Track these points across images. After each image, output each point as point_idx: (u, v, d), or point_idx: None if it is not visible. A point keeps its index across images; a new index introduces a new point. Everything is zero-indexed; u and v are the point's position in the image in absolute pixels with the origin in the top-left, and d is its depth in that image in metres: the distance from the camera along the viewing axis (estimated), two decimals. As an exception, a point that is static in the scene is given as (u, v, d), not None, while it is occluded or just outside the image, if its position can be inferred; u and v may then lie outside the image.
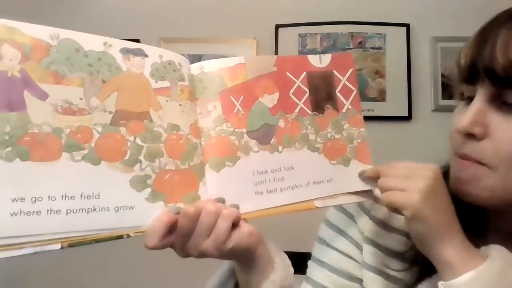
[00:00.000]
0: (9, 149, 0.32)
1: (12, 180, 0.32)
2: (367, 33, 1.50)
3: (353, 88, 0.51)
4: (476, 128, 0.41)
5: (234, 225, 0.41)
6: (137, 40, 1.51)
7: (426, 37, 1.49)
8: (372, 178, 0.48)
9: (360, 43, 1.50)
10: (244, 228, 0.42)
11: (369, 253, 0.50)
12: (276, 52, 1.50)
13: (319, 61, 0.51)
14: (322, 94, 0.50)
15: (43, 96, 0.35)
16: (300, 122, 0.48)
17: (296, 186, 0.47)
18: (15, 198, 0.32)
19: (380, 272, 0.50)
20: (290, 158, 0.47)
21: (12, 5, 1.43)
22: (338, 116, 0.50)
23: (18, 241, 0.32)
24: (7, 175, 0.32)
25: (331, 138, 0.50)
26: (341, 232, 0.54)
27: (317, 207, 0.48)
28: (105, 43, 0.38)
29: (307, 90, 0.50)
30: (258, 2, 1.57)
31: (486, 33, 0.42)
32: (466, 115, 0.41)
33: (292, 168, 0.47)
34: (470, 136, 0.41)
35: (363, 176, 0.49)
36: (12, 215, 0.32)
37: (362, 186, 0.49)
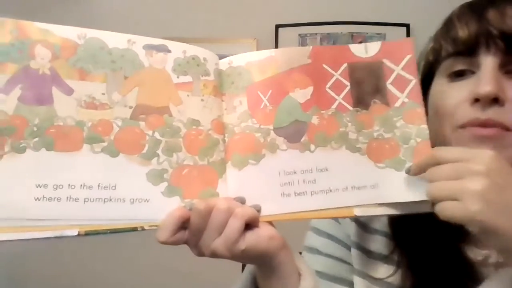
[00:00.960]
0: (36, 139, 0.36)
1: (38, 168, 0.35)
2: (367, 33, 1.51)
3: (410, 77, 0.43)
4: (500, 92, 0.40)
5: (251, 226, 0.39)
6: None
7: (426, 37, 1.30)
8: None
9: (360, 43, 1.42)
10: (264, 231, 0.39)
11: (354, 257, 0.48)
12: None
13: (364, 51, 0.45)
14: (367, 88, 0.44)
15: (69, 91, 0.37)
16: (338, 118, 0.43)
17: (330, 190, 0.42)
18: (39, 184, 0.35)
19: (366, 276, 0.47)
20: (324, 158, 0.42)
21: (12, 6, 1.55)
22: (388, 112, 0.43)
23: (40, 224, 0.35)
24: (34, 163, 0.35)
25: (378, 137, 0.43)
26: (331, 237, 0.50)
27: (356, 216, 0.43)
28: (129, 41, 0.40)
29: (348, 84, 0.44)
30: (258, 2, 1.56)
31: (484, 3, 0.42)
32: (485, 80, 0.41)
33: (327, 169, 0.42)
34: (492, 102, 0.40)
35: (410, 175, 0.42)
36: (36, 200, 0.35)
37: (418, 195, 0.40)
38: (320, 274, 0.51)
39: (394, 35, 1.49)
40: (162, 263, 1.41)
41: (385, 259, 0.48)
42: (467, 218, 0.33)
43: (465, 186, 0.34)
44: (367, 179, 0.42)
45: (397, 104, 0.43)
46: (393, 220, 0.49)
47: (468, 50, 0.43)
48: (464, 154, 0.36)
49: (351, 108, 0.44)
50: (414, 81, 0.43)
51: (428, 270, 0.45)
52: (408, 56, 0.43)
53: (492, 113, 0.41)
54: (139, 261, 1.44)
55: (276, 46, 1.53)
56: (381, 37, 1.50)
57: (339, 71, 0.44)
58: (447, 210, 0.35)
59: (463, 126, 0.43)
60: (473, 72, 0.43)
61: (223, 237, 0.37)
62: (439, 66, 0.47)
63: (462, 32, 0.44)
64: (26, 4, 1.59)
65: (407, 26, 1.49)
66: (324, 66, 0.44)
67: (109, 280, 1.52)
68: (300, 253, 0.56)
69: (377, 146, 0.43)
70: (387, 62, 0.44)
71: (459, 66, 0.44)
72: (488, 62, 0.42)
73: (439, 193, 0.36)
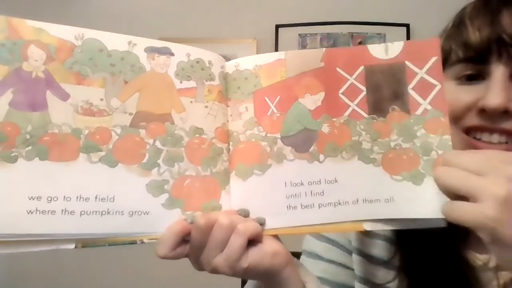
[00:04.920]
0: (29, 148, 0.33)
1: (31, 179, 0.33)
2: (367, 33, 1.50)
3: (435, 82, 0.39)
4: (510, 104, 0.39)
5: (254, 241, 0.37)
6: None
7: (426, 37, 1.32)
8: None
9: (360, 43, 1.51)
10: (268, 246, 0.38)
11: (356, 263, 0.47)
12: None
13: (384, 52, 0.40)
14: (385, 93, 0.40)
15: (64, 96, 0.35)
16: (351, 127, 0.40)
17: (339, 203, 0.39)
18: (32, 196, 0.33)
19: (367, 282, 0.47)
20: (334, 169, 0.40)
21: (11, 6, 1.53)
22: (408, 120, 0.39)
23: (33, 239, 0.33)
24: (26, 174, 0.33)
25: (396, 147, 0.39)
26: (332, 242, 0.50)
27: (366, 230, 0.41)
28: (129, 42, 0.37)
29: (364, 89, 0.40)
30: (258, 2, 1.56)
31: (496, 9, 0.41)
32: (495, 92, 0.40)
33: (336, 181, 0.40)
34: (501, 113, 0.40)
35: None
36: (28, 213, 0.33)
37: (438, 212, 0.35)
38: (321, 279, 0.50)
39: (394, 35, 1.50)
40: (163, 262, 1.41)
41: (386, 264, 0.48)
42: (480, 223, 0.29)
43: (488, 186, 0.29)
44: (381, 193, 0.39)
45: (419, 112, 0.39)
46: None
47: (479, 57, 0.42)
48: (497, 153, 0.32)
49: (366, 116, 0.40)
50: (438, 87, 0.39)
51: (428, 275, 0.45)
52: (434, 58, 0.39)
53: (500, 123, 0.40)
54: (139, 260, 1.43)
55: (276, 46, 1.53)
56: (381, 37, 1.51)
57: (354, 75, 0.40)
58: (457, 211, 0.31)
59: (467, 131, 0.42)
60: (483, 78, 0.42)
61: (224, 254, 0.36)
62: (448, 68, 0.46)
63: (474, 37, 0.42)
64: (24, 4, 1.57)
65: (407, 26, 1.50)
66: (338, 69, 0.41)
67: (109, 279, 1.52)
68: (299, 254, 0.55)
69: (394, 157, 0.39)
70: (409, 64, 0.39)
71: (469, 71, 0.43)
72: (499, 72, 0.41)
73: (453, 183, 0.31)
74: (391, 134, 0.39)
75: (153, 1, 1.64)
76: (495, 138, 0.41)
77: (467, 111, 0.42)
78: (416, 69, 0.39)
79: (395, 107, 0.40)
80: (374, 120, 0.40)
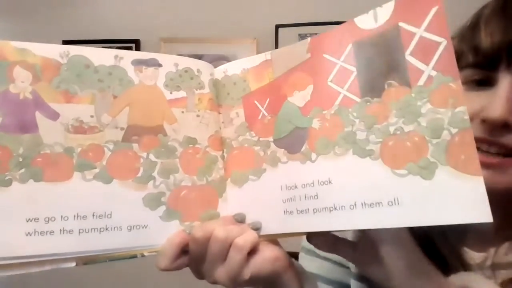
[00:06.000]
0: (23, 170, 0.33)
1: (27, 201, 0.33)
2: None
3: (438, 39, 0.30)
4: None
5: (253, 250, 0.37)
6: (137, 41, 1.53)
7: None
8: None
9: None
10: (267, 252, 0.37)
11: None
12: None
13: (374, 20, 0.34)
14: (378, 67, 0.33)
15: (54, 116, 0.35)
16: (343, 116, 0.34)
17: (335, 208, 0.34)
18: (29, 219, 0.33)
19: (363, 279, 0.46)
20: (327, 168, 0.35)
21: (11, 7, 1.51)
22: (409, 95, 0.31)
23: (33, 260, 0.33)
24: (22, 196, 0.33)
25: (396, 132, 0.32)
26: None
27: None
28: (116, 56, 0.37)
29: (354, 69, 0.34)
30: (258, 2, 1.55)
31: (509, 14, 0.38)
32: (497, 103, 0.37)
33: (330, 182, 0.35)
34: (502, 126, 0.37)
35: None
36: (27, 235, 0.33)
37: (465, 216, 0.28)
38: (317, 276, 0.51)
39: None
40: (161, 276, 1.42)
41: None
42: None
43: None
44: (382, 193, 0.31)
45: (421, 82, 0.31)
46: None
47: (488, 63, 0.40)
48: None
49: (358, 100, 0.34)
50: (444, 44, 0.30)
51: None
52: (434, 9, 0.31)
53: (500, 137, 0.38)
54: (139, 259, 1.43)
55: (276, 46, 1.52)
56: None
57: (343, 56, 0.35)
58: None
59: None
60: (492, 84, 0.40)
61: (225, 268, 0.35)
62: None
63: (486, 42, 0.40)
64: (24, 7, 1.55)
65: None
66: (325, 56, 0.36)
67: (109, 279, 1.53)
68: (298, 254, 0.55)
69: (395, 145, 0.32)
70: (404, 25, 0.32)
71: (478, 76, 0.41)
72: (507, 81, 0.38)
73: None
74: (390, 117, 0.32)
75: (153, 1, 1.63)
76: (493, 150, 0.39)
77: (472, 121, 0.40)
78: (412, 29, 0.32)
79: (392, 82, 0.32)
80: (368, 103, 0.33)
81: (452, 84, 0.29)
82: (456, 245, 0.45)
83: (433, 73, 0.30)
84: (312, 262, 0.52)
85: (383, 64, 0.33)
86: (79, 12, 1.63)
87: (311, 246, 0.53)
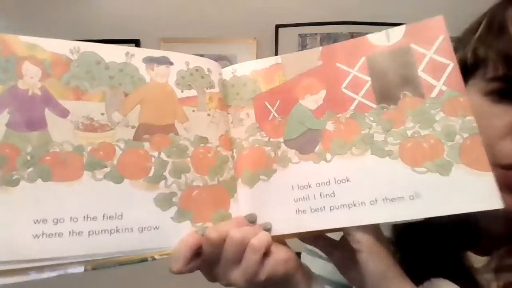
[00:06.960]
0: (31, 169, 0.32)
1: (35, 201, 0.32)
2: (367, 33, 1.53)
3: (447, 61, 0.35)
4: None
5: (266, 252, 0.36)
6: (137, 41, 1.53)
7: None
8: None
9: None
10: (279, 254, 0.37)
11: None
12: (276, 53, 1.48)
13: (386, 38, 0.38)
14: (393, 79, 0.37)
15: (64, 113, 0.33)
16: (359, 120, 0.37)
17: (354, 204, 0.36)
18: (37, 220, 0.31)
19: None
20: (343, 167, 0.37)
21: (11, 8, 1.49)
22: (423, 104, 0.35)
23: (40, 264, 0.31)
24: (29, 196, 0.32)
25: (414, 135, 0.35)
26: None
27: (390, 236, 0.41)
28: (127, 53, 0.36)
29: (368, 79, 0.38)
30: (258, 2, 1.56)
31: None
32: None
33: (348, 180, 0.37)
34: None
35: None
36: (34, 237, 0.31)
37: (480, 205, 0.32)
38: (321, 278, 0.50)
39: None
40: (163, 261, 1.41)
41: None
42: None
43: None
44: (403, 189, 0.34)
45: (434, 94, 0.35)
46: (396, 226, 0.48)
47: None
48: None
49: (374, 106, 0.37)
50: (451, 66, 0.35)
51: (427, 276, 0.44)
52: (441, 37, 0.36)
53: None
54: (146, 266, 1.40)
55: (276, 46, 1.52)
56: (381, 37, 1.57)
57: (356, 67, 0.38)
58: None
59: (505, 167, 0.36)
60: None
61: (241, 270, 0.35)
62: (475, 78, 0.41)
63: None
64: (25, 7, 1.52)
65: (407, 26, 1.56)
66: (338, 65, 0.39)
67: (109, 279, 1.49)
68: (300, 253, 0.55)
69: (413, 146, 0.35)
70: (415, 47, 0.36)
71: (506, 86, 0.38)
72: None
73: None
74: (406, 122, 0.36)
75: (153, 2, 1.62)
76: None
77: (503, 141, 0.37)
78: (423, 51, 0.36)
79: (407, 92, 0.36)
80: (385, 110, 0.37)
81: (460, 98, 0.34)
82: (458, 248, 0.45)
83: (444, 87, 0.35)
84: (313, 263, 0.51)
85: (397, 77, 0.37)
86: (79, 12, 1.61)
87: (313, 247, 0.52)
